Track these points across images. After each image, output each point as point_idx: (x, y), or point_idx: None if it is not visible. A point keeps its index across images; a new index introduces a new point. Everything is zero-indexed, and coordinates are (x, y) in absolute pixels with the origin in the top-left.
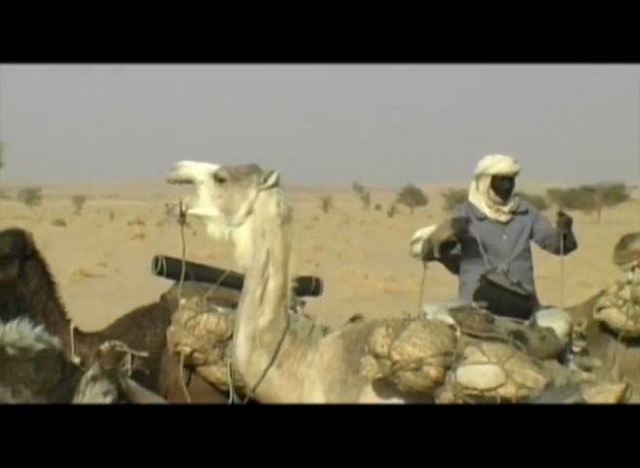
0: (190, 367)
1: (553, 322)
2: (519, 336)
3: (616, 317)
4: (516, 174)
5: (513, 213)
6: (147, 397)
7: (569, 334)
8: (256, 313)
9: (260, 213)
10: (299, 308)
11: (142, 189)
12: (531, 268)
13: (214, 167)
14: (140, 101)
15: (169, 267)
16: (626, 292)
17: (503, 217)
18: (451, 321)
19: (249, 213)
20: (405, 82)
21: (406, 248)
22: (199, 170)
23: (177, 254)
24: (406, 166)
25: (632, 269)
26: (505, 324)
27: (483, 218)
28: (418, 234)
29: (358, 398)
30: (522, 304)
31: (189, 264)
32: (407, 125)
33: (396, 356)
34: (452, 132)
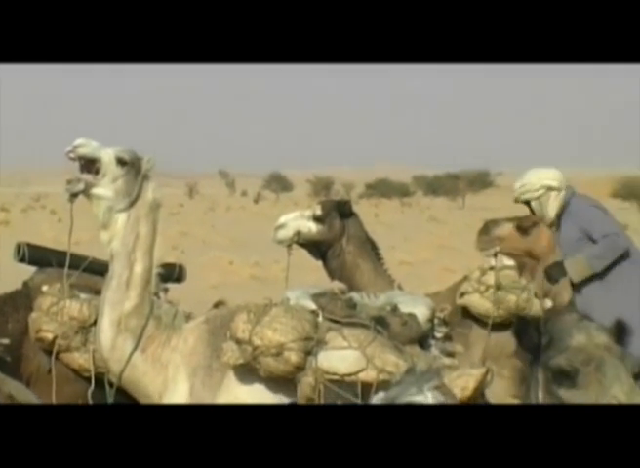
0: (53, 353)
1: (415, 307)
2: (380, 322)
3: (478, 302)
4: (520, 198)
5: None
6: (9, 384)
7: (431, 320)
8: (121, 298)
9: (140, 198)
10: (162, 294)
11: (7, 176)
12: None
13: (109, 148)
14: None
15: (31, 254)
16: (489, 278)
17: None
18: (313, 306)
19: (136, 198)
20: (273, 68)
21: (271, 234)
22: (103, 150)
23: (40, 241)
24: (271, 152)
25: (495, 255)
26: (367, 309)
27: None
28: (282, 220)
29: (222, 383)
30: None
31: (52, 251)
32: (272, 111)
33: (257, 341)
34: (317, 117)
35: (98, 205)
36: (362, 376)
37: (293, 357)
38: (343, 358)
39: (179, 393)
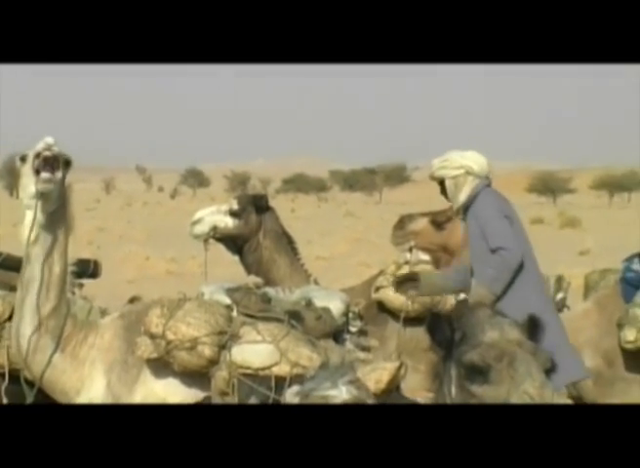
0: None
1: (330, 302)
2: (295, 316)
3: (393, 297)
4: (435, 174)
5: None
6: None
7: (345, 314)
8: (43, 301)
9: (64, 200)
10: (77, 290)
11: None
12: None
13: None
14: None
15: None
16: (404, 272)
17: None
18: (227, 301)
19: (62, 201)
20: (188, 65)
21: (188, 229)
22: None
23: None
24: (188, 147)
25: (410, 249)
26: (282, 304)
27: None
28: (198, 215)
29: (138, 378)
30: None
31: None
32: (188, 106)
33: (170, 335)
34: (233, 113)
35: (46, 205)
36: (276, 370)
37: (206, 351)
38: (257, 352)
39: (95, 389)
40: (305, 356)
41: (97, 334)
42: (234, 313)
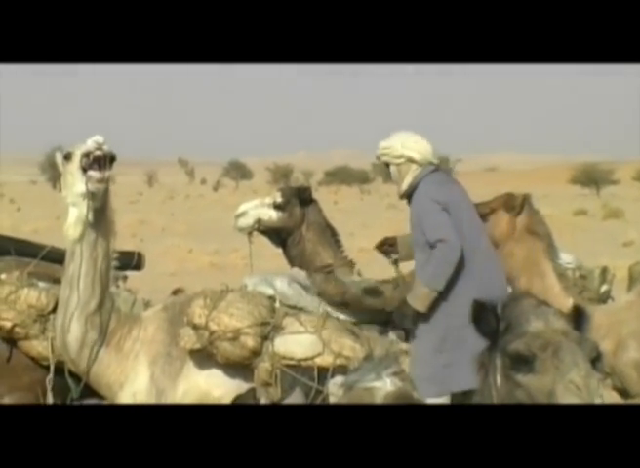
0: (11, 341)
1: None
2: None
3: None
4: (380, 158)
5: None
6: None
7: None
8: (89, 298)
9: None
10: (121, 283)
11: None
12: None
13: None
14: None
15: None
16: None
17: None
18: (270, 292)
19: (106, 198)
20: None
21: (231, 222)
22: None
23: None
24: (231, 140)
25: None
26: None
27: None
28: (242, 208)
29: (181, 370)
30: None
31: (10, 239)
32: (231, 98)
33: (213, 326)
34: (274, 105)
35: (93, 203)
36: (318, 361)
37: (249, 342)
38: (299, 342)
39: (139, 382)
40: (348, 346)
41: (140, 327)
42: (277, 304)
